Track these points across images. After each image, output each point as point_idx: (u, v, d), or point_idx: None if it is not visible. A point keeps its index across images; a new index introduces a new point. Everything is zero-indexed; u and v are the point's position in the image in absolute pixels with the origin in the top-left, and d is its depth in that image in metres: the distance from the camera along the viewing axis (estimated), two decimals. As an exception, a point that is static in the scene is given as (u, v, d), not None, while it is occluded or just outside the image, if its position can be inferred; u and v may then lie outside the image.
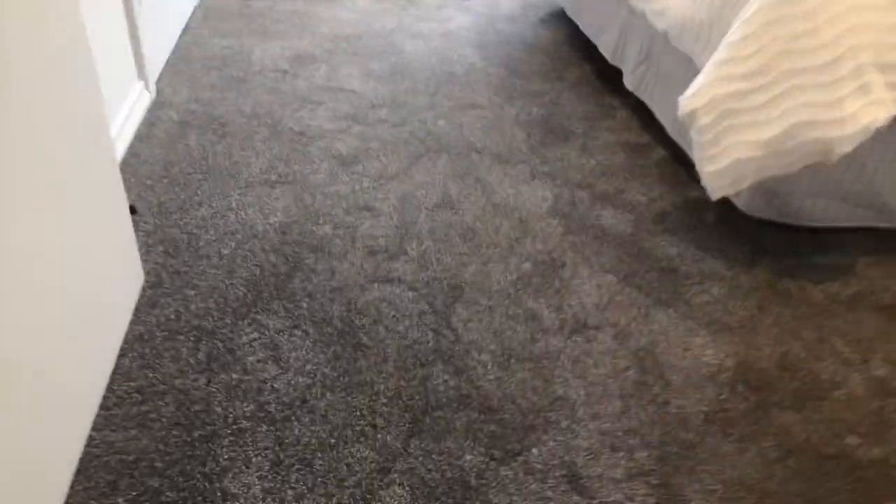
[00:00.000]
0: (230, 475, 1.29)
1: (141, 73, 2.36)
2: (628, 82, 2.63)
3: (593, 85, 2.85)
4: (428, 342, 1.61)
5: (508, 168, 2.27)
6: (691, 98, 1.82)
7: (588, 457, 1.38)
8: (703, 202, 2.17)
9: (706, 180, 1.88)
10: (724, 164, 1.80)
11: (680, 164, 2.33)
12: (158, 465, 1.29)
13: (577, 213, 2.08)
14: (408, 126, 2.46)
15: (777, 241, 2.02)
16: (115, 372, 1.46)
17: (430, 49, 3.04)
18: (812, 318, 1.76)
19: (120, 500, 1.23)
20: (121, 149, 2.12)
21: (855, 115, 1.62)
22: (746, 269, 1.91)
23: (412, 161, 2.27)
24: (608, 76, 2.86)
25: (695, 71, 2.01)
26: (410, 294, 1.74)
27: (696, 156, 1.88)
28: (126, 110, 2.20)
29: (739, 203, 2.10)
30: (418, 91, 2.70)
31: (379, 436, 1.39)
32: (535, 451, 1.38)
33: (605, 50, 2.83)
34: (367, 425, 1.41)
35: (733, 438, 1.44)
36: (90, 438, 1.33)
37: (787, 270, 1.91)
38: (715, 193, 1.89)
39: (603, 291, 1.80)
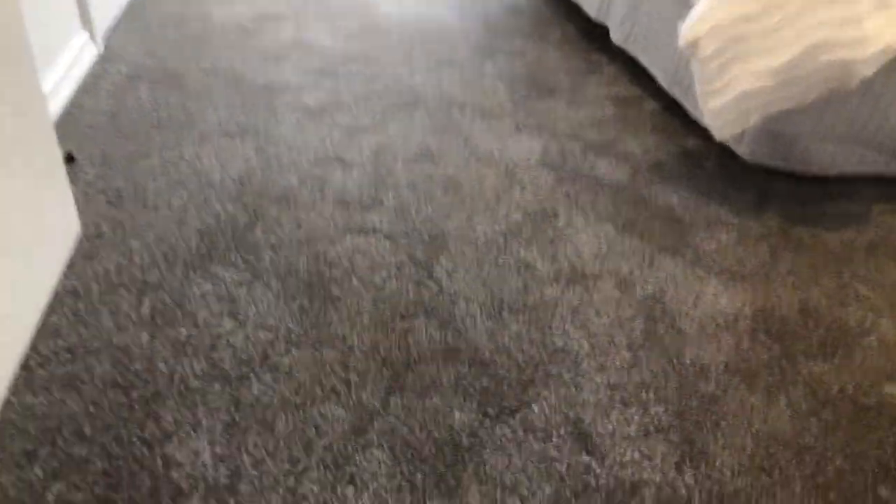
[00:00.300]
0: (175, 440, 1.07)
1: (85, 22, 2.13)
2: (615, 37, 2.46)
3: (577, 43, 2.68)
4: (408, 294, 1.41)
5: (492, 122, 2.08)
6: (693, 25, 1.65)
7: (597, 412, 1.19)
8: (701, 151, 2.01)
9: (709, 118, 1.71)
10: (729, 97, 1.64)
11: (674, 115, 2.17)
12: (87, 431, 1.08)
13: (568, 164, 1.90)
14: (382, 80, 2.27)
15: (784, 189, 1.86)
16: (41, 330, 1.24)
17: (403, 9, 2.86)
18: (830, 265, 1.60)
19: (37, 470, 1.01)
20: (62, 98, 1.90)
21: (876, 34, 1.46)
22: (754, 216, 1.74)
23: (387, 114, 2.07)
24: (593, 36, 2.70)
25: (690, 8, 1.85)
26: (387, 245, 1.54)
27: (699, 90, 1.71)
28: (68, 59, 1.98)
29: (741, 150, 1.94)
30: (392, 48, 2.51)
31: (353, 393, 1.19)
32: (535, 407, 1.19)
33: (590, 7, 2.67)
34: (339, 382, 1.20)
35: (759, 390, 1.26)
36: (6, 403, 1.11)
37: (797, 218, 1.75)
38: (719, 132, 1.72)
39: (601, 240, 1.62)
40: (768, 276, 1.55)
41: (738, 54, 1.60)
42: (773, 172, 1.92)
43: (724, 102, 1.65)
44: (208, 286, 1.38)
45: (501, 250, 1.56)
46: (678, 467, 1.11)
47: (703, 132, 2.07)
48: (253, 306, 1.34)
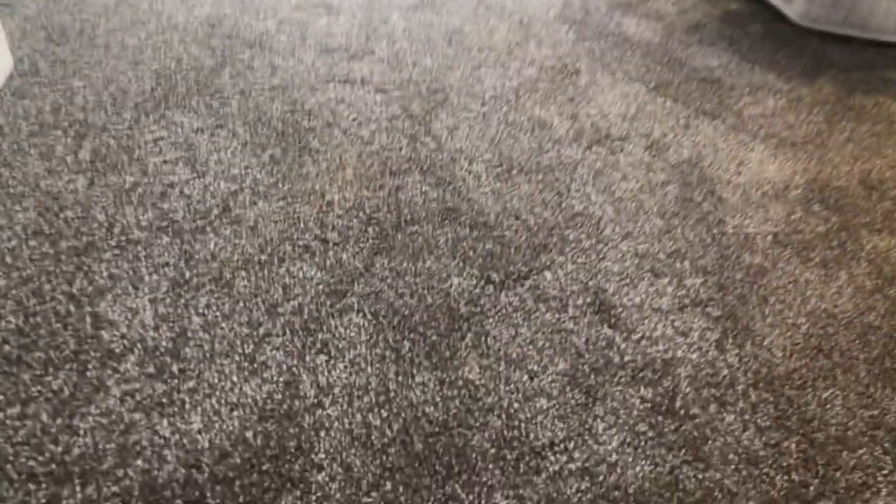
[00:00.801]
0: (109, 297, 0.88)
1: None
2: None
3: None
4: (400, 149, 1.19)
5: (504, -27, 1.80)
6: None
7: (622, 282, 0.99)
8: (745, 14, 1.74)
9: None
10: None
11: (716, -26, 1.88)
12: (0, 282, 0.88)
13: (591, 20, 1.64)
14: (378, -74, 1.96)
15: (842, 54, 1.61)
16: (-45, 170, 1.03)
17: None
18: (894, 134, 1.37)
19: (-64, 325, 0.82)
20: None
21: None
22: (807, 82, 1.50)
23: (383, -39, 1.78)
24: None
25: None
26: (378, 97, 1.31)
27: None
28: None
29: (793, 12, 1.67)
30: None
31: (331, 253, 0.98)
32: (547, 274, 0.99)
33: None
34: (314, 240, 1.00)
35: (815, 264, 1.06)
36: None
37: (857, 84, 1.51)
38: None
39: (630, 101, 1.38)
40: (824, 144, 1.32)
41: None
42: (827, 37, 1.66)
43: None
44: (163, 132, 1.16)
45: (512, 107, 1.32)
46: (719, 345, 0.91)
47: (748, -9, 1.79)
48: (215, 155, 1.13)
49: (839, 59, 1.60)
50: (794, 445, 0.81)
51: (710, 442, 0.80)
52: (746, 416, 0.83)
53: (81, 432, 0.74)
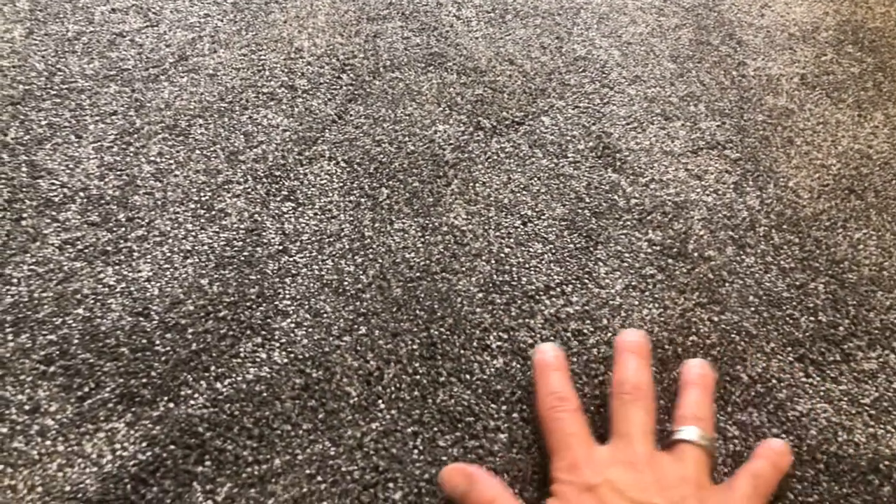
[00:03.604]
0: (48, 146, 0.78)
1: None
2: None
3: None
4: (380, -4, 1.06)
5: None
6: None
7: (628, 126, 0.88)
8: None
9: None
10: None
11: None
12: (-72, 132, 0.78)
13: None
14: None
15: None
16: None
17: None
18: (938, -24, 1.22)
19: None
20: None
21: None
22: (840, -77, 1.33)
23: None
24: None
25: None
26: (355, -56, 1.16)
27: None
28: None
29: None
30: None
31: (300, 100, 0.87)
32: (545, 119, 0.88)
33: None
34: (280, 87, 0.89)
35: (847, 105, 0.94)
36: None
37: (896, -75, 1.34)
38: None
39: (638, -56, 1.22)
40: (857, -15, 1.17)
41: None
42: None
43: None
44: (111, -20, 1.03)
45: (506, -48, 1.17)
46: (738, 187, 0.81)
47: None
48: (171, 3, 1.00)
49: None
50: (821, 287, 0.72)
51: (726, 284, 0.71)
52: (769, 258, 0.74)
53: (14, 281, 0.65)
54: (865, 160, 0.86)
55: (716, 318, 0.68)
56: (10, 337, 0.62)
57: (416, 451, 0.59)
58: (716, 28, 1.06)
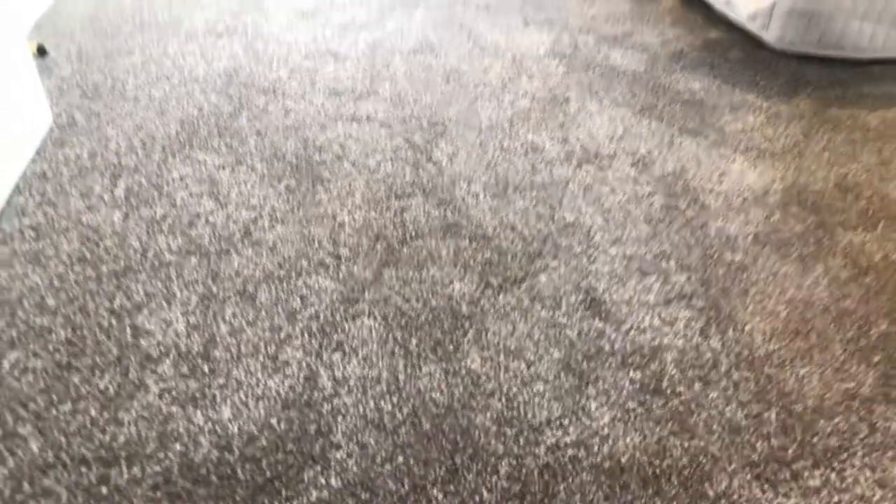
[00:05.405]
0: (145, 311, 0.98)
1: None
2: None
3: (590, -53, 2.50)
4: (405, 175, 1.30)
5: (498, 17, 1.94)
6: None
7: (611, 282, 1.07)
8: (725, 42, 1.86)
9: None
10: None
11: (695, 10, 2.01)
12: (50, 302, 0.98)
13: (580, 55, 1.76)
14: (379, -18, 2.13)
15: (816, 74, 1.71)
16: (5, 210, 1.15)
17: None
18: (869, 142, 1.46)
19: (-6, 340, 0.92)
20: (41, 2, 1.78)
21: None
22: (785, 100, 1.60)
23: (385, 12, 1.94)
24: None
25: None
26: (383, 131, 1.42)
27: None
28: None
29: (769, 36, 1.78)
30: (391, -47, 2.35)
31: (343, 266, 1.08)
32: (542, 277, 1.08)
33: None
34: (327, 256, 1.10)
35: (793, 259, 1.14)
36: (-36, 277, 1.02)
37: (833, 100, 1.60)
38: (745, 7, 1.57)
39: (616, 124, 1.48)
40: (801, 153, 1.41)
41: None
42: (804, 59, 1.77)
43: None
44: (188, 170, 1.28)
45: (507, 134, 1.43)
46: (703, 332, 0.99)
47: (727, 25, 1.91)
48: (235, 188, 1.24)
49: (816, 77, 1.70)
50: (773, 416, 0.88)
51: (695, 415, 0.87)
52: (729, 392, 0.90)
53: (126, 423, 0.83)
54: (808, 307, 1.05)
55: (686, 444, 0.84)
56: (124, 469, 0.78)
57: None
58: (682, 194, 1.29)
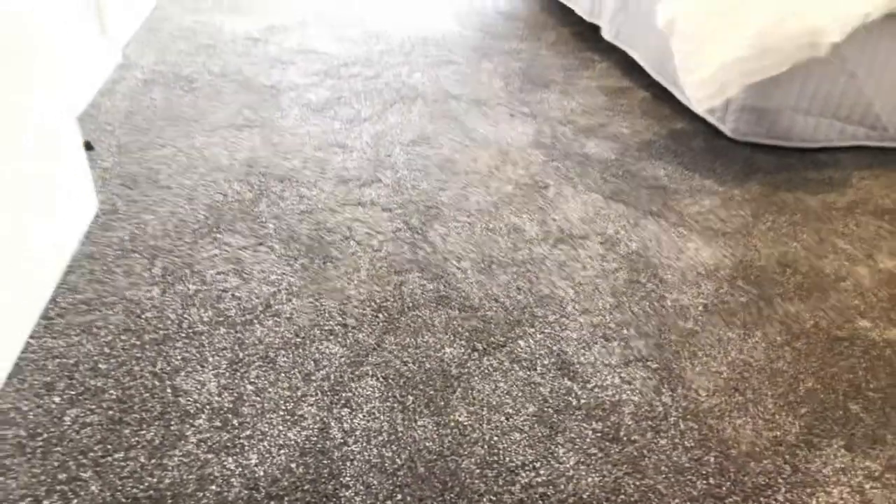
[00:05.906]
0: (183, 374, 1.16)
1: (103, 29, 2.28)
2: (607, 33, 2.57)
3: (571, 44, 2.79)
4: (403, 254, 1.49)
5: (487, 110, 2.19)
6: (669, 4, 1.75)
7: (579, 346, 1.25)
8: (689, 132, 2.10)
9: (690, 90, 1.80)
10: (708, 70, 1.73)
11: (663, 102, 2.26)
12: (102, 366, 1.16)
13: (559, 144, 1.99)
14: (382, 79, 2.39)
15: (769, 160, 1.94)
16: (60, 286, 1.34)
17: (403, 18, 3.00)
18: (810, 223, 1.66)
19: (56, 398, 1.10)
20: (83, 101, 2.03)
21: (846, 2, 1.55)
22: (739, 184, 1.81)
23: (386, 107, 2.18)
24: (585, 36, 2.82)
25: (671, -9, 1.95)
26: (385, 215, 1.63)
27: (679, 66, 1.80)
28: (89, 67, 2.12)
29: (726, 127, 2.02)
30: (393, 51, 2.63)
31: (350, 334, 1.26)
32: (521, 342, 1.26)
33: (582, 10, 2.79)
34: (336, 325, 1.28)
35: (736, 326, 1.32)
36: (27, 345, 1.20)
37: (780, 184, 1.82)
38: (701, 104, 1.81)
39: (588, 207, 1.70)
40: (749, 233, 1.62)
41: (714, 28, 1.70)
42: (758, 147, 2.00)
43: (703, 76, 1.74)
44: (215, 250, 1.47)
45: (493, 216, 1.64)
46: (656, 389, 1.16)
47: (691, 115, 2.15)
48: (257, 265, 1.43)
49: (767, 163, 1.93)
50: (712, 459, 1.04)
51: (646, 459, 1.04)
52: (676, 440, 1.07)
53: (170, 468, 0.99)
54: (747, 367, 1.22)
55: (638, 483, 1.00)
56: (170, 505, 0.94)
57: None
58: (644, 270, 1.48)
